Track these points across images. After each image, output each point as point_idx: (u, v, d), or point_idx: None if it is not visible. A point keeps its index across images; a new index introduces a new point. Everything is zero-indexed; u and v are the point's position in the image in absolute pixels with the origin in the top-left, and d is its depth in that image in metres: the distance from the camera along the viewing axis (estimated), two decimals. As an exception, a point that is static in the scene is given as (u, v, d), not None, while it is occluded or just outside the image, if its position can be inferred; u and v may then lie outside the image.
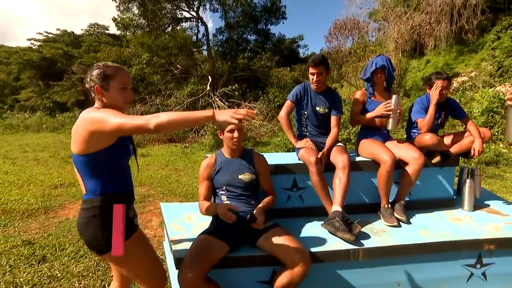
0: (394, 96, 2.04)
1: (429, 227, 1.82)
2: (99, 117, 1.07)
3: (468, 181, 2.09)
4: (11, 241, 2.63)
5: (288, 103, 2.14)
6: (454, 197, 2.20)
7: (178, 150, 7.89)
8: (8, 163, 6.24)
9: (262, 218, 1.56)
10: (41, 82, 25.45)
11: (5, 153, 7.60)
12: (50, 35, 28.11)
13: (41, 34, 28.06)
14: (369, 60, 2.28)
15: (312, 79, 2.05)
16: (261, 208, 1.61)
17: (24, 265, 2.23)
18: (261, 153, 2.13)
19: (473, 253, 1.69)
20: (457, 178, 2.40)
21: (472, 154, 2.06)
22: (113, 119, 1.05)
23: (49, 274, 2.10)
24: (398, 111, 2.04)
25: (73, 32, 29.17)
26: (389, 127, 2.08)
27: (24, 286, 2.01)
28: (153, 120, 1.02)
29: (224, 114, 1.07)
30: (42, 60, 25.23)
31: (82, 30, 29.88)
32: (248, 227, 1.56)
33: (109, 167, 1.16)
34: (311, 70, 2.04)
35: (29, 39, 27.36)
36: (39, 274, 2.10)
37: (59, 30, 28.74)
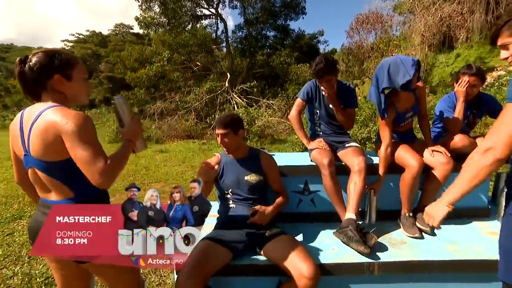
0: None
1: (457, 241, 1.61)
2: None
3: (506, 189, 1.84)
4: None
5: (298, 101, 1.99)
6: (489, 206, 1.95)
7: (196, 147, 7.96)
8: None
9: (265, 216, 1.50)
10: (73, 80, 26.96)
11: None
12: (81, 36, 29.68)
13: (73, 35, 29.77)
14: (382, 61, 1.74)
15: (324, 90, 1.85)
16: (269, 207, 1.56)
17: (41, 257, 2.29)
18: (272, 153, 2.02)
19: None
20: (492, 184, 2.14)
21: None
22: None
23: (61, 268, 2.14)
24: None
25: (100, 33, 30.63)
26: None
27: (38, 278, 2.07)
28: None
29: (131, 131, 1.11)
30: (73, 60, 26.75)
31: (108, 30, 31.25)
32: (253, 233, 1.47)
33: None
34: (319, 81, 1.85)
35: (63, 41, 29.17)
36: (52, 268, 2.15)
37: (89, 31, 30.30)
